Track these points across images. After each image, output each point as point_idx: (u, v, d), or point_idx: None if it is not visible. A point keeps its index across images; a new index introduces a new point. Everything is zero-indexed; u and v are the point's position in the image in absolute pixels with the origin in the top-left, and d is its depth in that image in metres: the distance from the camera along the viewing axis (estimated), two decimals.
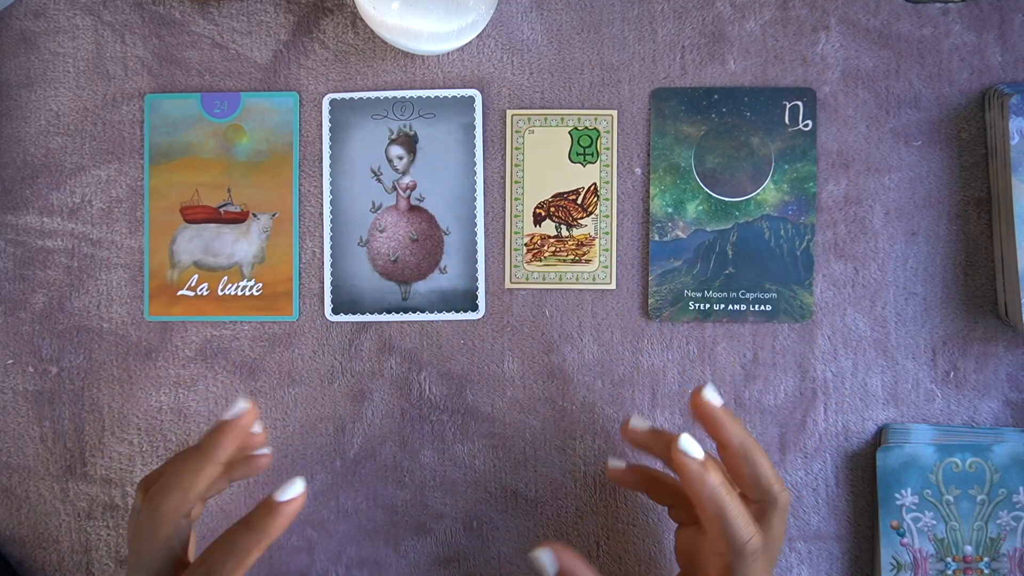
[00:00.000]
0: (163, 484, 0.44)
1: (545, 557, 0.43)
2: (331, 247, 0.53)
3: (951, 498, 0.51)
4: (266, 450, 0.47)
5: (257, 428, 0.46)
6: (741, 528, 0.41)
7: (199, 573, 0.41)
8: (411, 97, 0.53)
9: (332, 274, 0.53)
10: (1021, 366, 0.52)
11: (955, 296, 0.52)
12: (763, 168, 0.52)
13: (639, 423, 0.47)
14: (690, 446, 0.43)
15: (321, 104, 0.53)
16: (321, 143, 0.53)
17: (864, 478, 0.52)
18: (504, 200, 0.53)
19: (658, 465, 0.50)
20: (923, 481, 0.51)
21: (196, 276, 0.53)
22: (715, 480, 0.42)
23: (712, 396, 0.44)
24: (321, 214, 0.53)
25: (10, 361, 0.54)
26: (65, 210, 0.53)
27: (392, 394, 0.53)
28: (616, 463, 0.48)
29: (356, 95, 0.53)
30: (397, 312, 0.53)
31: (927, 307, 0.52)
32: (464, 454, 0.53)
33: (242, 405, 0.44)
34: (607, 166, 0.53)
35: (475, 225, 0.53)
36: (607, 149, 0.53)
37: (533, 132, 0.53)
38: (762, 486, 0.43)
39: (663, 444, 0.45)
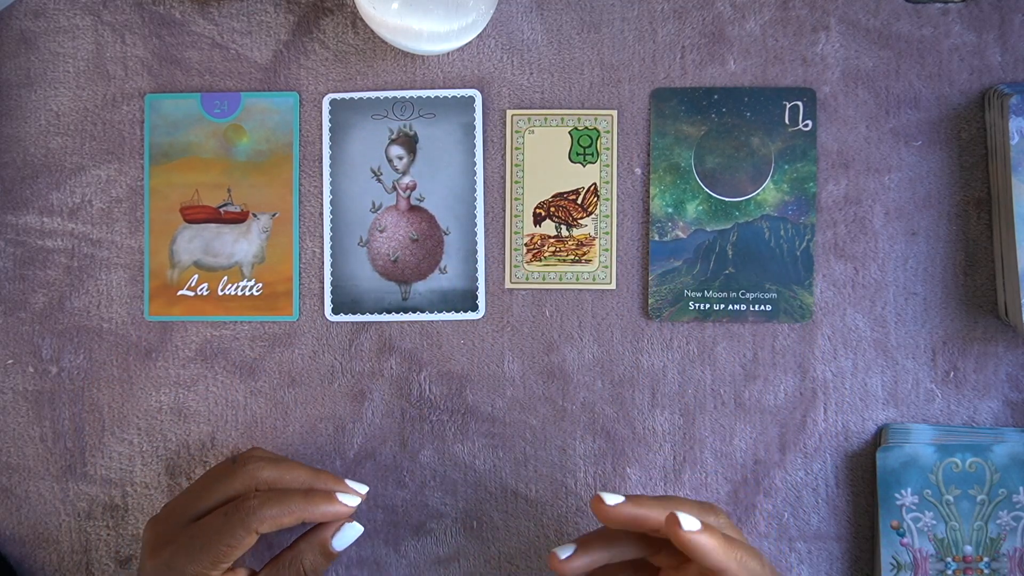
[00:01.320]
0: (189, 548, 0.44)
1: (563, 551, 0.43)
2: (331, 247, 0.53)
3: (951, 498, 0.51)
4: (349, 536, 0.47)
5: (350, 501, 0.47)
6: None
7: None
8: (411, 97, 0.53)
9: (332, 274, 0.53)
10: (1021, 366, 0.52)
11: (955, 296, 0.52)
12: (763, 168, 0.52)
13: (614, 499, 0.43)
14: (688, 522, 0.41)
15: (321, 104, 0.53)
16: (321, 143, 0.53)
17: (864, 478, 0.52)
18: (504, 200, 0.53)
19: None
20: (923, 481, 0.51)
21: (196, 276, 0.53)
22: (717, 542, 0.41)
23: (613, 500, 0.42)
24: (321, 214, 0.53)
25: (10, 361, 0.54)
26: (65, 210, 0.53)
27: (392, 394, 0.53)
28: (566, 552, 0.44)
29: (356, 95, 0.53)
30: (397, 312, 0.53)
31: (927, 307, 0.52)
32: (464, 454, 0.53)
33: (351, 502, 0.46)
34: (607, 166, 0.53)
35: (475, 225, 0.53)
36: (607, 149, 0.53)
37: (533, 132, 0.53)
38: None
39: (648, 525, 0.43)
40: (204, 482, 0.47)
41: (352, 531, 0.46)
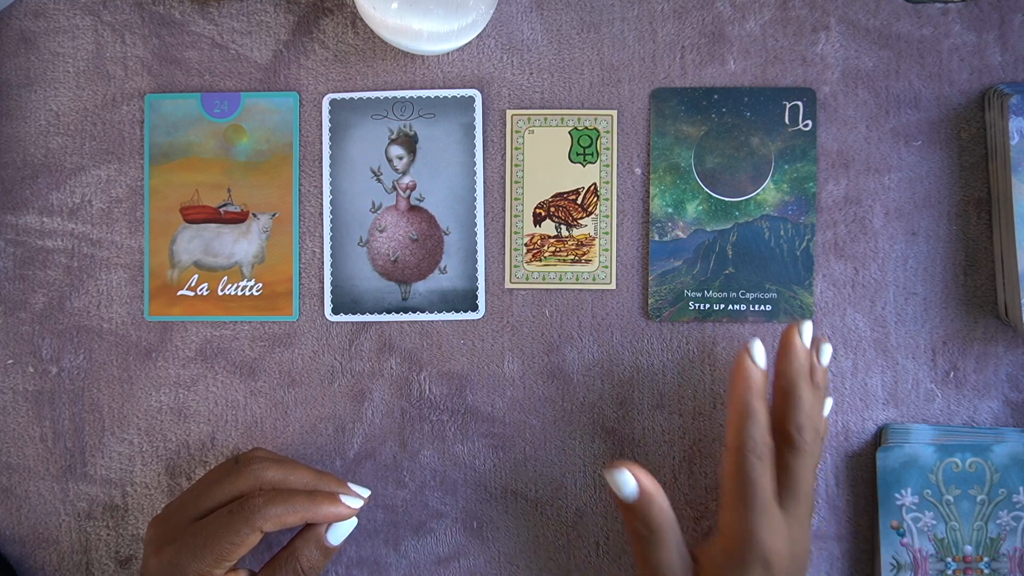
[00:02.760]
0: (193, 546, 0.44)
1: (622, 478, 0.44)
2: (331, 247, 0.53)
3: (951, 498, 0.51)
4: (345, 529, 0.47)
5: (353, 503, 0.47)
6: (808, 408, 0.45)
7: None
8: (411, 97, 0.53)
9: (332, 274, 0.53)
10: (1021, 366, 0.52)
11: (955, 296, 0.52)
12: (763, 168, 0.52)
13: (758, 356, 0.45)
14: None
15: (321, 104, 0.53)
16: (321, 143, 0.53)
17: (864, 478, 0.52)
18: (504, 200, 0.53)
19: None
20: (923, 481, 0.51)
21: (196, 276, 0.53)
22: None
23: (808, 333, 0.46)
24: (321, 214, 0.53)
25: (10, 361, 0.54)
26: (65, 210, 0.53)
27: (392, 394, 0.53)
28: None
29: (356, 95, 0.53)
30: (397, 312, 0.53)
31: (927, 307, 0.52)
32: (464, 454, 0.53)
33: (354, 504, 0.47)
34: (607, 166, 0.53)
35: (475, 225, 0.53)
36: (607, 149, 0.53)
37: (533, 132, 0.53)
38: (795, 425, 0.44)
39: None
40: (207, 481, 0.47)
41: (346, 524, 0.47)
